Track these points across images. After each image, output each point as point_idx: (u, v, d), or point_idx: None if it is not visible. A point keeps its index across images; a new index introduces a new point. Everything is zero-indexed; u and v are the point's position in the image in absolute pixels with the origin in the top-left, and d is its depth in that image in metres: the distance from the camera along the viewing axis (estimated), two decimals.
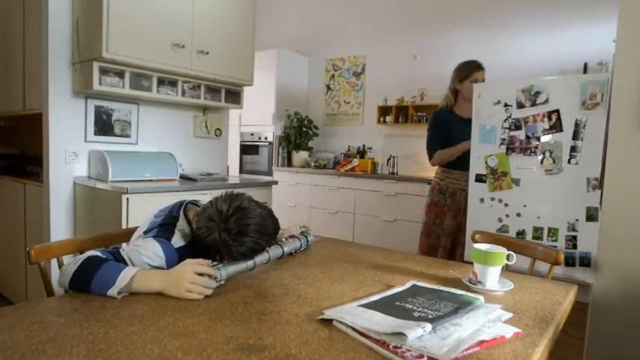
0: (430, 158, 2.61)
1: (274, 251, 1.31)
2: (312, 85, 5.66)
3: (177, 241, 1.20)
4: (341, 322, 0.87)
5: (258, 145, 5.40)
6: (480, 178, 2.30)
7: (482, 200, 2.30)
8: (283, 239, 1.43)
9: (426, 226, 2.63)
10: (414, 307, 0.94)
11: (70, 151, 2.51)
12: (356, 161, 4.81)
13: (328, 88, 5.50)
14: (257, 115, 5.27)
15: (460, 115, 2.53)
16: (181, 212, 1.27)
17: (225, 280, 1.08)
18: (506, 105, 2.20)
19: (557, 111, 2.06)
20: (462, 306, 0.94)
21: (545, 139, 2.10)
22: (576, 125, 2.01)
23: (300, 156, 5.27)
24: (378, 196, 4.37)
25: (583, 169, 1.99)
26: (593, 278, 1.78)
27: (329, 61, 5.48)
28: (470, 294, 1.05)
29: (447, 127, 2.53)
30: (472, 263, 1.22)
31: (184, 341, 0.79)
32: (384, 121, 4.83)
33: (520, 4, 4.03)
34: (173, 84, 2.67)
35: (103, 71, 2.34)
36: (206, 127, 3.20)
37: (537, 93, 2.11)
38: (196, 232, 1.15)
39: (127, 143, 2.75)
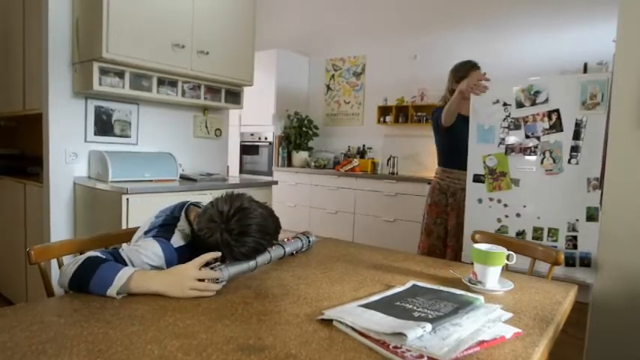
0: (439, 133, 2.62)
1: (276, 251, 1.31)
2: (312, 85, 5.66)
3: (177, 240, 1.20)
4: (341, 322, 0.87)
5: (258, 146, 5.40)
6: (478, 179, 2.28)
7: (480, 201, 2.27)
8: (285, 239, 1.43)
9: (426, 226, 2.63)
10: (414, 307, 0.94)
11: (70, 151, 2.51)
12: (356, 161, 4.81)
13: (328, 88, 5.50)
14: (257, 116, 5.27)
15: (460, 113, 2.53)
16: (183, 213, 1.27)
17: (226, 280, 1.08)
18: (505, 104, 2.18)
19: (557, 111, 2.04)
20: (462, 306, 0.94)
21: (545, 138, 2.08)
22: (576, 125, 2.00)
23: (300, 156, 5.27)
24: (378, 196, 4.37)
25: (583, 169, 1.98)
26: (593, 278, 1.78)
27: (329, 61, 5.48)
28: (470, 294, 1.05)
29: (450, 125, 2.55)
30: (472, 263, 1.22)
31: (184, 341, 0.79)
32: (384, 121, 4.83)
33: (520, 4, 4.03)
34: (173, 84, 2.67)
35: (103, 71, 2.34)
36: (206, 127, 3.20)
37: (537, 92, 2.10)
38: (198, 233, 1.15)
39: (127, 143, 2.75)
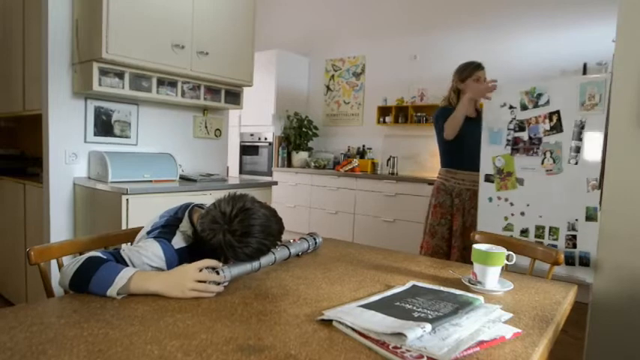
0: (442, 134, 2.54)
1: (280, 252, 1.30)
2: (312, 85, 5.67)
3: (178, 242, 1.20)
4: (341, 323, 0.87)
5: (257, 146, 5.40)
6: (488, 178, 2.38)
7: (490, 199, 2.36)
8: (291, 240, 1.43)
9: (430, 227, 2.62)
10: (414, 308, 0.94)
11: (69, 151, 2.51)
12: (356, 161, 4.81)
13: (328, 88, 5.51)
14: (257, 116, 5.28)
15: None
16: (186, 214, 1.27)
17: (229, 281, 1.08)
18: (511, 107, 2.26)
19: (558, 112, 2.09)
20: (461, 306, 0.94)
21: (546, 139, 2.14)
22: (575, 126, 2.03)
23: (299, 156, 5.27)
24: (378, 196, 4.37)
25: (583, 169, 2.00)
26: (593, 278, 1.78)
27: (329, 61, 5.48)
28: (470, 294, 1.05)
29: None
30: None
31: (184, 342, 0.79)
32: (384, 122, 4.83)
33: (520, 5, 4.03)
34: (173, 84, 2.67)
35: (103, 72, 2.34)
36: (206, 127, 3.20)
37: (539, 95, 2.16)
38: (201, 235, 1.15)
39: (127, 144, 2.75)
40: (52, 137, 2.44)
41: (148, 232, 1.25)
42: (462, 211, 2.52)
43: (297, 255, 1.43)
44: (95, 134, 2.60)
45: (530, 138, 2.20)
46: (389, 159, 4.69)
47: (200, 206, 1.30)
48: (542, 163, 2.14)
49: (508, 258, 1.20)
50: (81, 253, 1.23)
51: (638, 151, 1.63)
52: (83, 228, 2.50)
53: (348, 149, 5.20)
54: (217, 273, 1.04)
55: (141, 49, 2.40)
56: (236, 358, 0.73)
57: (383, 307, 0.94)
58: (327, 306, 0.99)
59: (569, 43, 3.78)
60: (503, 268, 1.21)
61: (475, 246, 1.21)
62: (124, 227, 2.16)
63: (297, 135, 5.25)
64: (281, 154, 5.29)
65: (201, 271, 1.03)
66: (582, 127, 2.01)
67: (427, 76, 4.62)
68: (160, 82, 2.59)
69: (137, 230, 1.51)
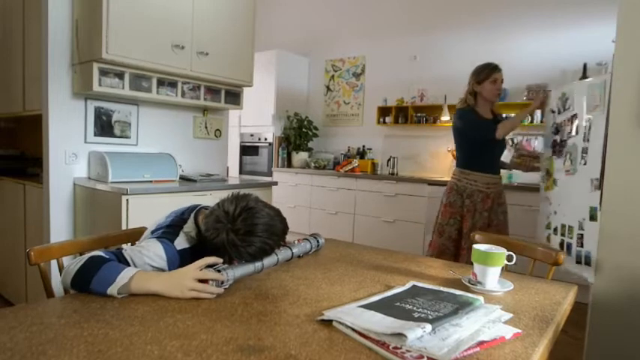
0: (493, 134, 2.48)
1: (283, 253, 1.29)
2: (312, 85, 5.67)
3: (181, 242, 1.20)
4: (341, 323, 0.87)
5: (257, 146, 5.40)
6: (542, 179, 2.53)
7: (543, 199, 2.49)
8: (295, 241, 1.42)
9: (439, 226, 2.62)
10: (414, 308, 0.94)
11: (69, 152, 2.51)
12: (356, 162, 4.82)
13: (328, 88, 5.51)
14: (257, 116, 5.28)
15: (482, 115, 2.55)
16: (192, 215, 1.26)
17: (232, 281, 1.08)
18: (552, 112, 2.38)
19: (575, 115, 2.17)
20: (461, 306, 0.94)
21: (569, 142, 2.23)
22: (585, 127, 2.07)
23: (299, 157, 5.27)
24: (378, 196, 4.37)
25: (589, 169, 2.03)
26: (593, 278, 1.78)
27: (328, 61, 5.48)
28: (470, 294, 1.05)
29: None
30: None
31: (184, 342, 0.79)
32: (384, 122, 4.83)
33: (520, 4, 4.03)
34: (173, 85, 2.67)
35: (103, 72, 2.34)
36: (206, 127, 3.20)
37: (566, 99, 2.25)
38: (204, 235, 1.14)
39: (127, 144, 2.76)
40: (52, 137, 2.44)
41: (153, 232, 1.25)
42: (473, 212, 2.51)
43: (299, 256, 1.43)
44: (95, 134, 2.60)
45: (560, 141, 2.30)
46: (389, 159, 4.69)
47: (207, 208, 1.30)
48: (564, 164, 2.23)
49: (509, 258, 1.20)
50: (81, 254, 1.23)
51: (638, 151, 1.63)
52: (83, 228, 2.50)
53: (348, 149, 5.20)
54: (219, 272, 1.04)
55: (141, 49, 2.40)
56: (236, 359, 0.73)
57: (383, 307, 0.94)
58: (327, 306, 0.99)
59: (569, 43, 3.79)
60: (503, 268, 1.21)
61: (475, 246, 1.21)
62: (124, 227, 2.16)
63: (297, 135, 5.25)
64: (281, 155, 5.29)
65: (201, 269, 1.03)
66: (589, 129, 2.04)
67: (427, 77, 4.62)
68: (160, 83, 2.59)
69: (137, 230, 1.51)
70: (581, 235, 2.07)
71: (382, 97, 4.91)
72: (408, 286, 1.13)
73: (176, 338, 0.80)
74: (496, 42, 4.17)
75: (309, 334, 0.84)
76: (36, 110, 2.56)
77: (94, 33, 2.28)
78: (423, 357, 0.74)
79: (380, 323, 0.85)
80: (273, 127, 5.25)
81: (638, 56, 1.62)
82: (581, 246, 2.07)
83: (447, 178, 4.21)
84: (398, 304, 0.97)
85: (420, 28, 4.68)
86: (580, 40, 3.73)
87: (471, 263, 1.21)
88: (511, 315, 0.97)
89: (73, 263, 1.03)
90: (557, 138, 2.30)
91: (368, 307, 0.95)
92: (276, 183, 3.20)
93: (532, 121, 3.80)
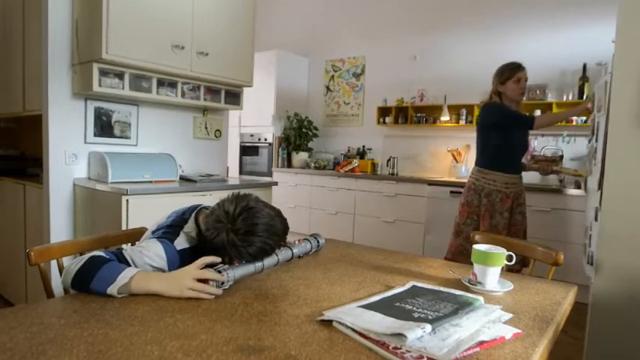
0: (531, 122, 2.45)
1: (284, 254, 1.29)
2: (312, 86, 5.67)
3: (181, 243, 1.20)
4: (341, 323, 0.87)
5: (257, 146, 5.40)
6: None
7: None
8: (296, 242, 1.42)
9: (456, 226, 2.61)
10: (414, 308, 0.94)
11: (69, 152, 2.51)
12: (356, 162, 4.82)
13: (328, 89, 5.51)
14: (257, 116, 5.28)
15: None
16: (192, 216, 1.26)
17: (232, 281, 1.07)
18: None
19: (595, 116, 2.22)
20: (461, 307, 0.94)
21: (592, 143, 2.29)
22: (596, 128, 2.12)
23: (299, 157, 5.27)
24: (378, 196, 4.37)
25: (597, 170, 2.03)
26: (593, 278, 1.78)
27: (328, 62, 5.48)
28: (470, 295, 1.05)
29: None
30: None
31: (184, 342, 0.79)
32: (384, 122, 4.83)
33: (520, 4, 4.04)
34: (173, 85, 2.67)
35: (103, 72, 2.34)
36: (206, 128, 3.20)
37: (594, 101, 2.30)
38: (205, 235, 1.14)
39: (127, 144, 2.76)
40: (52, 138, 2.44)
41: (153, 232, 1.25)
42: (492, 212, 2.48)
43: (299, 256, 1.43)
44: (95, 135, 2.60)
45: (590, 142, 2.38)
46: (389, 159, 4.69)
47: (208, 208, 1.30)
48: (586, 165, 2.32)
49: (509, 259, 1.20)
50: (81, 254, 1.23)
51: (638, 151, 1.63)
52: (83, 228, 2.50)
53: (348, 150, 5.20)
54: (219, 272, 1.04)
55: (141, 49, 2.40)
56: (236, 359, 0.73)
57: (383, 307, 0.94)
58: (327, 306, 0.99)
59: (569, 43, 3.79)
60: (503, 268, 1.21)
61: (475, 246, 1.21)
62: (124, 228, 2.16)
63: (297, 135, 5.25)
64: (281, 155, 5.29)
65: (201, 269, 1.03)
66: (597, 130, 2.07)
67: (427, 77, 4.62)
68: (160, 83, 2.60)
69: (137, 231, 1.51)
70: (590, 235, 2.08)
71: (382, 98, 4.91)
72: (408, 286, 1.13)
73: (176, 338, 0.80)
74: (496, 42, 4.17)
75: (309, 335, 0.84)
76: (36, 110, 2.56)
77: (94, 33, 2.28)
78: (422, 357, 0.74)
79: (380, 323, 0.85)
80: (273, 127, 5.25)
81: (638, 56, 1.62)
82: (590, 246, 2.07)
83: (447, 178, 4.23)
84: (398, 304, 0.97)
85: (420, 28, 4.68)
86: (580, 40, 3.73)
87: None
88: (511, 315, 0.97)
89: (73, 263, 1.03)
90: (593, 139, 2.33)
91: (368, 307, 0.95)
92: (276, 183, 3.20)
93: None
